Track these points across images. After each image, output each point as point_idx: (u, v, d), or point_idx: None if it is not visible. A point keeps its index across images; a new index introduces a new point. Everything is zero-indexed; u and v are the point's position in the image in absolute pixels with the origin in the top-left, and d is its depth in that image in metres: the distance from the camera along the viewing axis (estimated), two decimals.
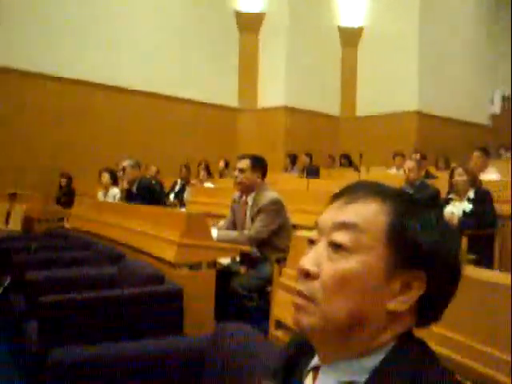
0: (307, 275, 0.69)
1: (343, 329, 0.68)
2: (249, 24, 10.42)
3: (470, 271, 1.24)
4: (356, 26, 10.97)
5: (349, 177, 6.93)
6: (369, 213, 0.69)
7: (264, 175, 3.36)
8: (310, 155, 8.70)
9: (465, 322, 1.09)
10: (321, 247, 0.70)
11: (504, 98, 11.82)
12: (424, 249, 0.67)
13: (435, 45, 10.45)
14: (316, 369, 0.74)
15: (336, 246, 0.68)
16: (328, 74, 10.87)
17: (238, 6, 10.44)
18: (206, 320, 2.68)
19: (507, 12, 12.12)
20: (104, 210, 4.43)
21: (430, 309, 0.71)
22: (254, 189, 3.33)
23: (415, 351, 0.67)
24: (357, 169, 8.78)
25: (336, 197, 0.74)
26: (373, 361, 0.67)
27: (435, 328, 1.14)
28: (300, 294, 0.70)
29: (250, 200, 3.35)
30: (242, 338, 1.46)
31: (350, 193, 0.73)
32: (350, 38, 11.03)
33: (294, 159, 9.03)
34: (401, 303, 0.67)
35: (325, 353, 0.72)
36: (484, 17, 11.75)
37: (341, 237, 0.68)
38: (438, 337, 1.11)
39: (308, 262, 0.70)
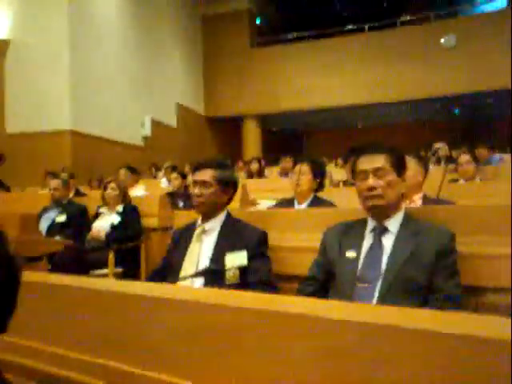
0: None
1: None
2: None
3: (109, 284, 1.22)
4: (0, 37, 10.13)
5: None
6: None
7: None
8: None
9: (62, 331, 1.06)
10: None
11: (153, 122, 12.86)
12: None
13: (88, 67, 10.58)
14: None
15: None
16: None
17: None
18: None
19: (153, 46, 13.29)
20: None
21: None
22: None
23: None
24: (8, 189, 8.09)
25: None
26: None
27: (29, 342, 1.08)
28: None
29: None
30: None
31: None
32: None
33: None
34: None
35: None
36: (135, 46, 12.54)
37: None
38: (30, 350, 1.05)
39: None
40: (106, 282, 1.14)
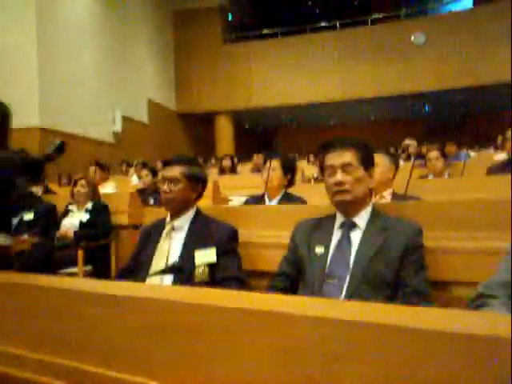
0: None
1: None
2: None
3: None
4: None
5: None
6: None
7: None
8: None
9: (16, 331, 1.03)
10: None
11: (124, 118, 12.70)
12: None
13: (58, 63, 10.38)
14: None
15: None
16: None
17: None
18: None
19: (123, 41, 13.11)
20: None
21: None
22: None
23: None
24: None
25: None
26: None
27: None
28: None
29: None
30: None
31: None
32: None
33: None
34: None
35: None
36: (106, 42, 12.34)
37: None
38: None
39: None
40: (68, 280, 1.12)
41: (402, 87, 14.46)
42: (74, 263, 3.87)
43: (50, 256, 3.85)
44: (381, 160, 2.95)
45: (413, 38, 14.35)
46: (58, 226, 4.19)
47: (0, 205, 2.34)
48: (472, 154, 7.86)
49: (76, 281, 1.10)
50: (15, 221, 4.42)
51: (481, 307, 1.39)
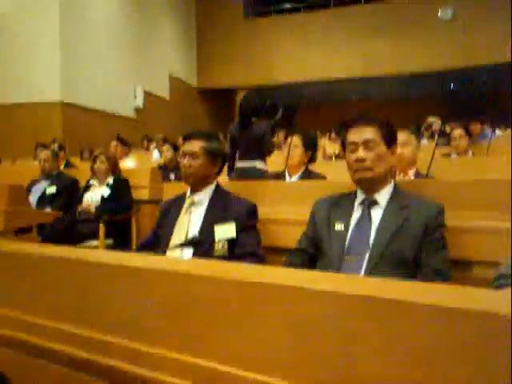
0: None
1: None
2: None
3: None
4: None
5: None
6: None
7: None
8: None
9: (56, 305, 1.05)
10: None
11: (145, 93, 12.70)
12: None
13: (79, 38, 10.39)
14: None
15: None
16: None
17: None
18: None
19: (144, 16, 13.04)
20: None
21: None
22: None
23: None
24: None
25: None
26: None
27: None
28: None
29: None
30: None
31: None
32: None
33: None
34: None
35: None
36: (127, 17, 12.30)
37: None
38: (10, 320, 1.04)
39: None
40: (90, 252, 1.13)
41: (428, 63, 14.13)
42: (95, 237, 3.93)
43: (71, 229, 3.91)
44: (411, 139, 2.91)
45: (440, 13, 13.96)
46: (79, 199, 4.25)
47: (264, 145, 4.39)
48: (498, 132, 7.68)
49: (98, 253, 1.12)
50: (38, 195, 4.50)
51: (502, 287, 1.37)
